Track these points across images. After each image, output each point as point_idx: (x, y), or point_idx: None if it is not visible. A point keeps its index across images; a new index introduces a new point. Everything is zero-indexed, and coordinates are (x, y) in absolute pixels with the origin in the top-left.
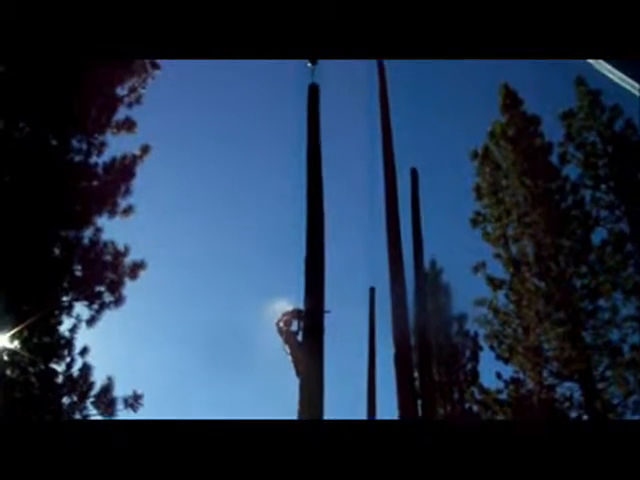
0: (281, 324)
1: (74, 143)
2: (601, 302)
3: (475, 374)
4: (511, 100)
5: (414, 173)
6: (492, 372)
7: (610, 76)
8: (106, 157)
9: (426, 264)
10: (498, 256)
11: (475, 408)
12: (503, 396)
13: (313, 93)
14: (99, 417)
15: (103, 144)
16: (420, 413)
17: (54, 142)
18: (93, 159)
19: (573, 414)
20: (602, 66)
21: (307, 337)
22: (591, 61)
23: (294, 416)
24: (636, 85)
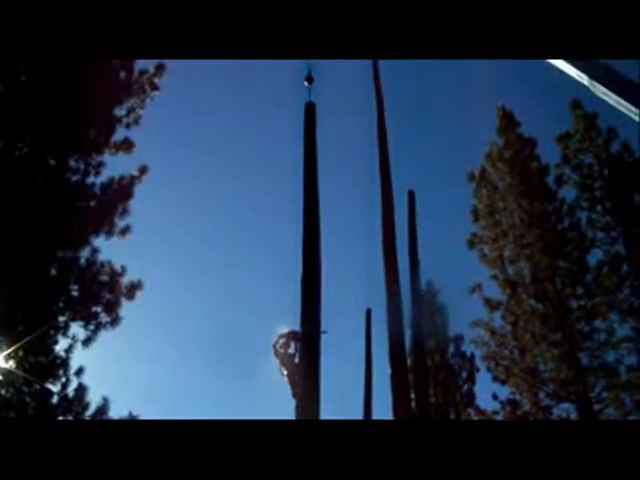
0: (278, 346)
1: (72, 163)
2: (597, 323)
3: (471, 395)
4: (508, 122)
5: (411, 195)
6: (489, 393)
7: (606, 99)
8: (104, 177)
9: (423, 285)
10: (495, 277)
11: None
12: (499, 417)
13: (310, 111)
14: None
15: (101, 164)
16: None
17: (52, 162)
18: (91, 179)
19: None
20: (597, 89)
21: (303, 359)
22: (587, 84)
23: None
24: (633, 109)
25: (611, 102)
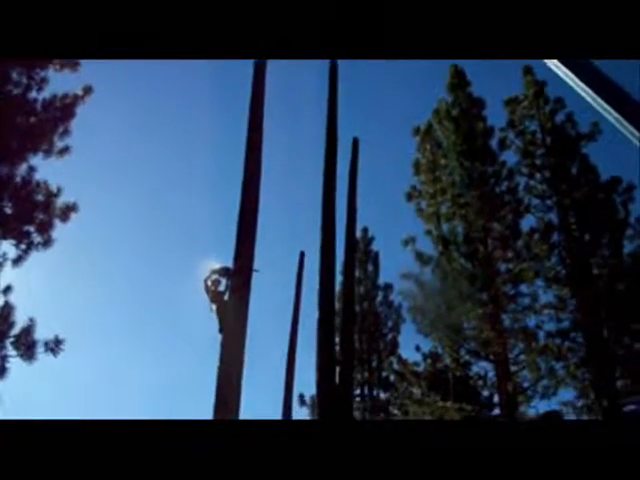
0: (209, 282)
1: (14, 75)
2: (523, 288)
3: (395, 344)
4: (459, 80)
5: (355, 142)
6: (412, 344)
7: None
8: (47, 94)
9: (357, 232)
10: (429, 233)
11: (392, 377)
12: (420, 369)
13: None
14: (19, 359)
15: (44, 80)
16: (337, 378)
17: None
18: (33, 94)
19: (485, 393)
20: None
21: (233, 294)
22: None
23: (213, 370)
24: (636, 133)
25: (610, 119)
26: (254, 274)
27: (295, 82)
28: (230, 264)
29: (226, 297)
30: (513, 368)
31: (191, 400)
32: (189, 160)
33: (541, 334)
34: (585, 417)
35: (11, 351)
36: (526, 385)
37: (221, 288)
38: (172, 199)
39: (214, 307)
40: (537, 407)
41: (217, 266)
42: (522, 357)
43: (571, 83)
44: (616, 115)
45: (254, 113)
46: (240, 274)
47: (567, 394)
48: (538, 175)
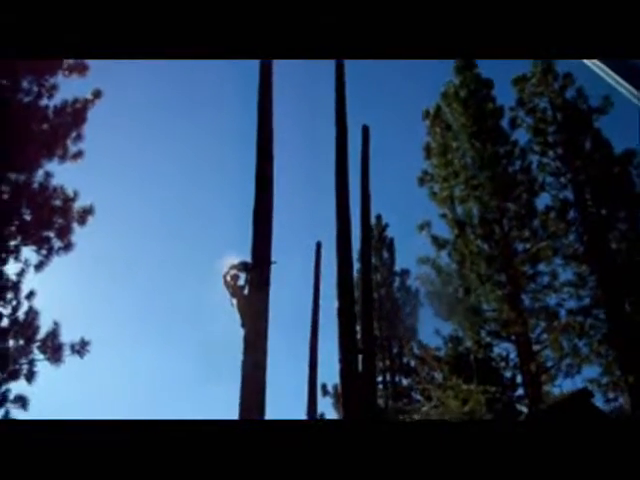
0: (228, 277)
1: (24, 84)
2: (541, 267)
3: (415, 330)
4: (465, 61)
5: (365, 130)
6: (431, 329)
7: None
8: (57, 100)
9: (372, 219)
10: (444, 216)
11: (413, 363)
12: (441, 353)
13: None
14: (46, 362)
15: (54, 87)
16: (360, 366)
17: (4, 82)
18: (44, 101)
19: (508, 374)
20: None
21: (253, 290)
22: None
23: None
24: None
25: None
26: (272, 267)
27: (304, 74)
28: (248, 258)
29: (246, 291)
30: (535, 347)
31: (218, 394)
32: (205, 155)
33: (562, 312)
34: (611, 394)
35: (38, 355)
36: (549, 364)
37: (240, 282)
38: (188, 196)
39: (234, 302)
40: (561, 385)
41: (235, 261)
42: (544, 336)
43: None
44: (628, 86)
45: (263, 109)
46: (258, 267)
47: (591, 372)
48: (551, 152)
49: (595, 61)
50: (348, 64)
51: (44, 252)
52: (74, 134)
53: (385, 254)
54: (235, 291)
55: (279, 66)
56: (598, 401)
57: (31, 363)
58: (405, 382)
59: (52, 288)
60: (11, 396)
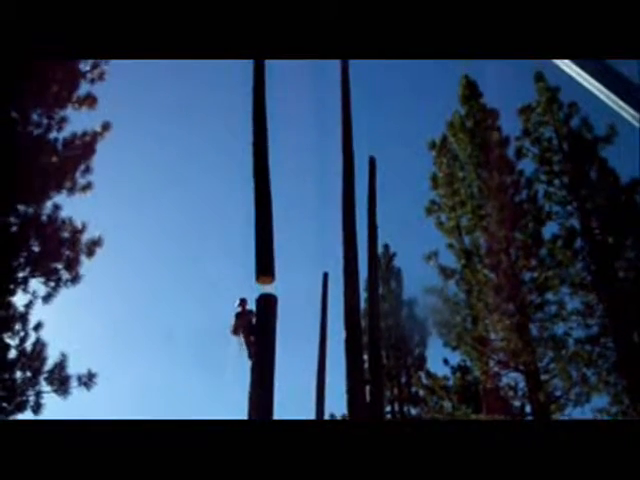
0: (235, 326)
1: (34, 117)
2: (549, 296)
3: (423, 359)
4: (471, 91)
5: (372, 162)
6: (439, 358)
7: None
8: (66, 133)
9: (379, 249)
10: (451, 246)
11: (421, 392)
12: (450, 382)
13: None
14: (53, 394)
15: (63, 119)
16: (368, 396)
17: (14, 114)
18: (53, 134)
19: (517, 403)
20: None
21: (258, 321)
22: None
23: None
24: (632, 112)
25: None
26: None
27: (309, 101)
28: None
29: (253, 320)
30: (544, 377)
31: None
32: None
33: (570, 341)
34: None
35: (45, 387)
36: (558, 394)
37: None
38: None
39: (241, 335)
40: (570, 415)
41: (237, 308)
42: (552, 366)
43: (585, 83)
44: (633, 112)
45: (257, 122)
46: (264, 301)
47: (600, 401)
48: (557, 181)
49: (596, 83)
50: (355, 93)
51: (52, 283)
52: (83, 167)
53: (393, 283)
54: (240, 324)
55: (282, 91)
56: None
57: (38, 395)
58: (414, 412)
59: (60, 319)
60: None
